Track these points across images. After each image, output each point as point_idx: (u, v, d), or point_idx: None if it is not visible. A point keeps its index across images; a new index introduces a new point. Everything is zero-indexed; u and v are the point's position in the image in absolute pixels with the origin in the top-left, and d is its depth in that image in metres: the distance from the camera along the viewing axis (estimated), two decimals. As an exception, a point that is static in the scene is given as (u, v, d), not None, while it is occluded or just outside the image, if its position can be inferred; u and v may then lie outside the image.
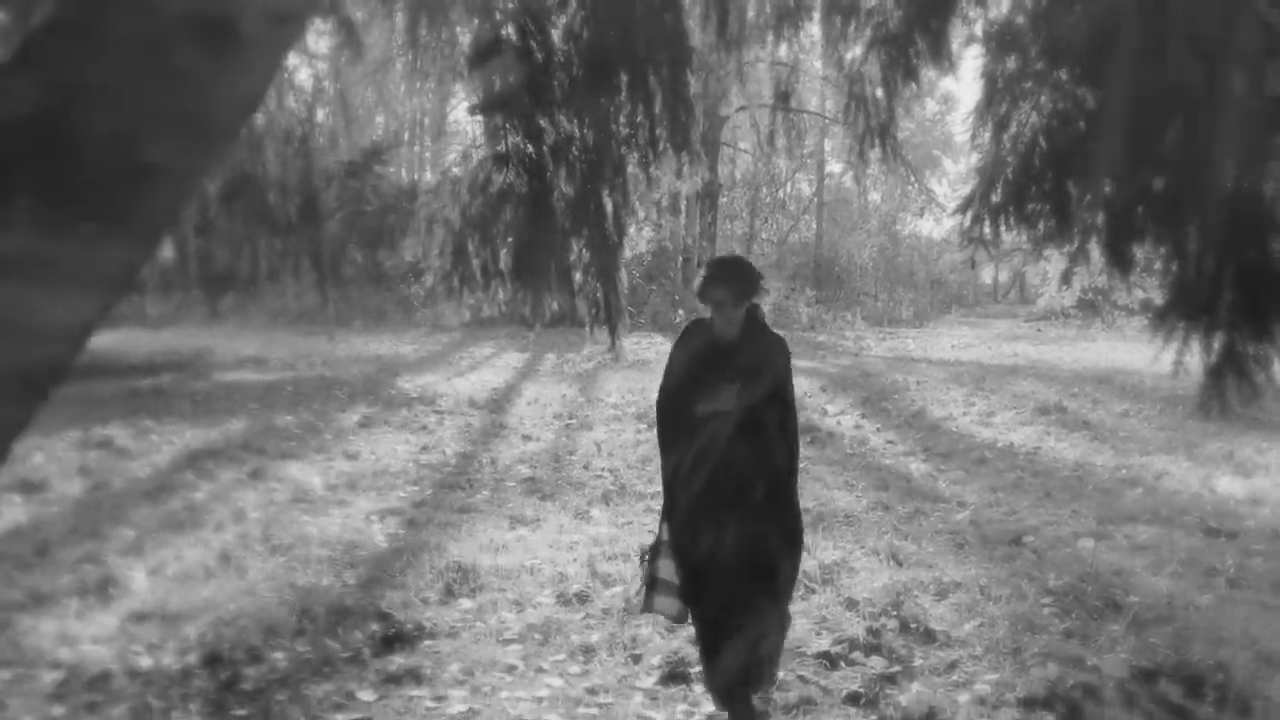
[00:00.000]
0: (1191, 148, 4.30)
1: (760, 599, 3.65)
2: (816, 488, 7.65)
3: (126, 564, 5.60)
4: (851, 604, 5.00)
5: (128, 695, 3.98)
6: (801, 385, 13.90)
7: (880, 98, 5.31)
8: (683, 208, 28.97)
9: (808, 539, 6.21)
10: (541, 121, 5.13)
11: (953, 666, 4.30)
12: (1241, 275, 4.22)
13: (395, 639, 4.60)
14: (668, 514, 3.87)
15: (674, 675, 4.24)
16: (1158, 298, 5.18)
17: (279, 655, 4.39)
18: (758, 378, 3.69)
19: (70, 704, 3.89)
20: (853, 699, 4.03)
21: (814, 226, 40.74)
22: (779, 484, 3.74)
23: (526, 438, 10.32)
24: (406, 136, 37.99)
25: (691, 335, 3.91)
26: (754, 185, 37.74)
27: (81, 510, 6.87)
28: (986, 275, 45.68)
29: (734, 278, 3.71)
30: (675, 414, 3.84)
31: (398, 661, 4.37)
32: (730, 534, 3.60)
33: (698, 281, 3.75)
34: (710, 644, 3.71)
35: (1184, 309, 4.46)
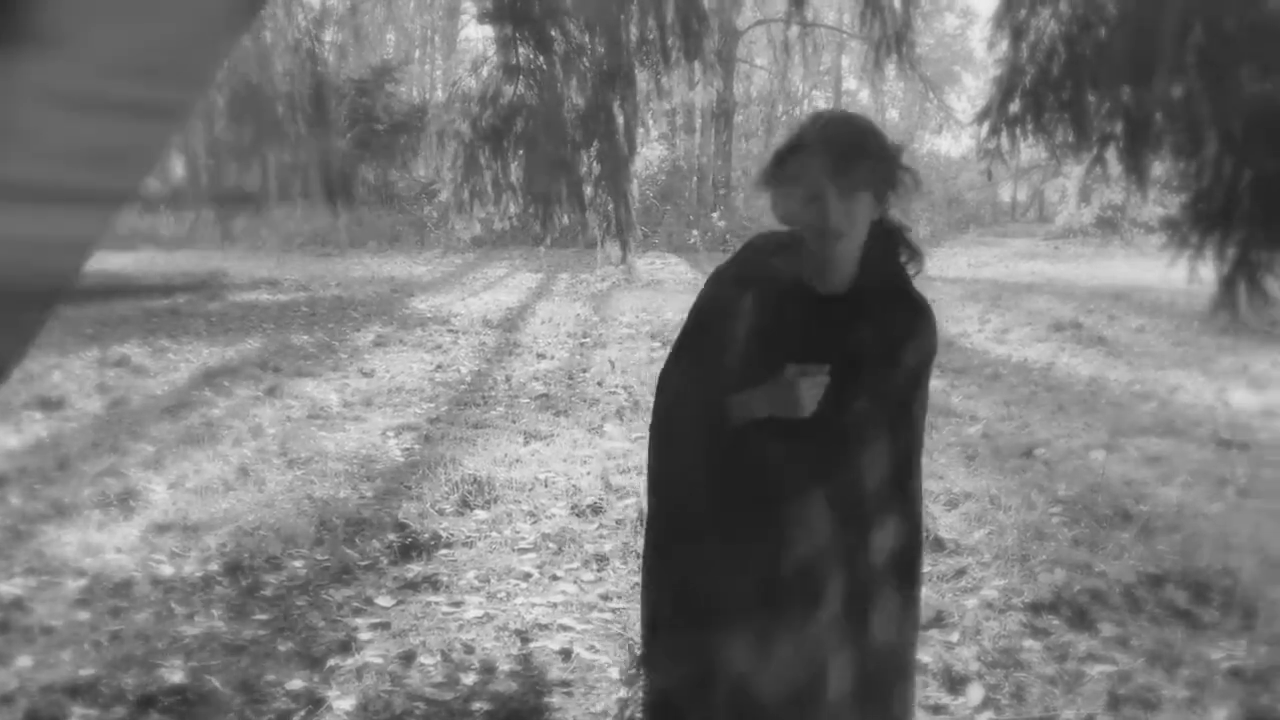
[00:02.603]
0: (1211, 53, 4.23)
1: None
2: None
3: (146, 478, 5.69)
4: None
5: (151, 601, 4.07)
6: (815, 303, 13.88)
7: (897, 5, 5.22)
8: (697, 125, 28.68)
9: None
10: (552, 31, 5.07)
11: (961, 573, 4.36)
12: (1258, 183, 4.18)
13: (412, 548, 4.68)
14: (657, 625, 2.28)
15: (686, 582, 4.30)
16: (1177, 214, 5.14)
17: (298, 563, 4.47)
18: (875, 371, 2.03)
19: (95, 609, 3.98)
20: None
21: (830, 145, 40.21)
22: (893, 573, 2.11)
23: (540, 356, 10.36)
24: (417, 54, 37.55)
25: (749, 269, 2.13)
26: (770, 103, 37.24)
27: (101, 426, 6.96)
28: (1005, 194, 45.19)
29: (857, 153, 1.92)
30: (698, 430, 2.12)
31: (415, 569, 4.45)
32: (795, 670, 2.05)
33: (770, 163, 2.03)
34: None
35: (1200, 219, 4.42)
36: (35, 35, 0.90)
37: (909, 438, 2.13)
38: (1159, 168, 5.27)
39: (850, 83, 41.23)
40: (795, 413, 1.95)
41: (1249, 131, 4.23)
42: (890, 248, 2.11)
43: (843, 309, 2.04)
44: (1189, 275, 4.19)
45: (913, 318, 2.07)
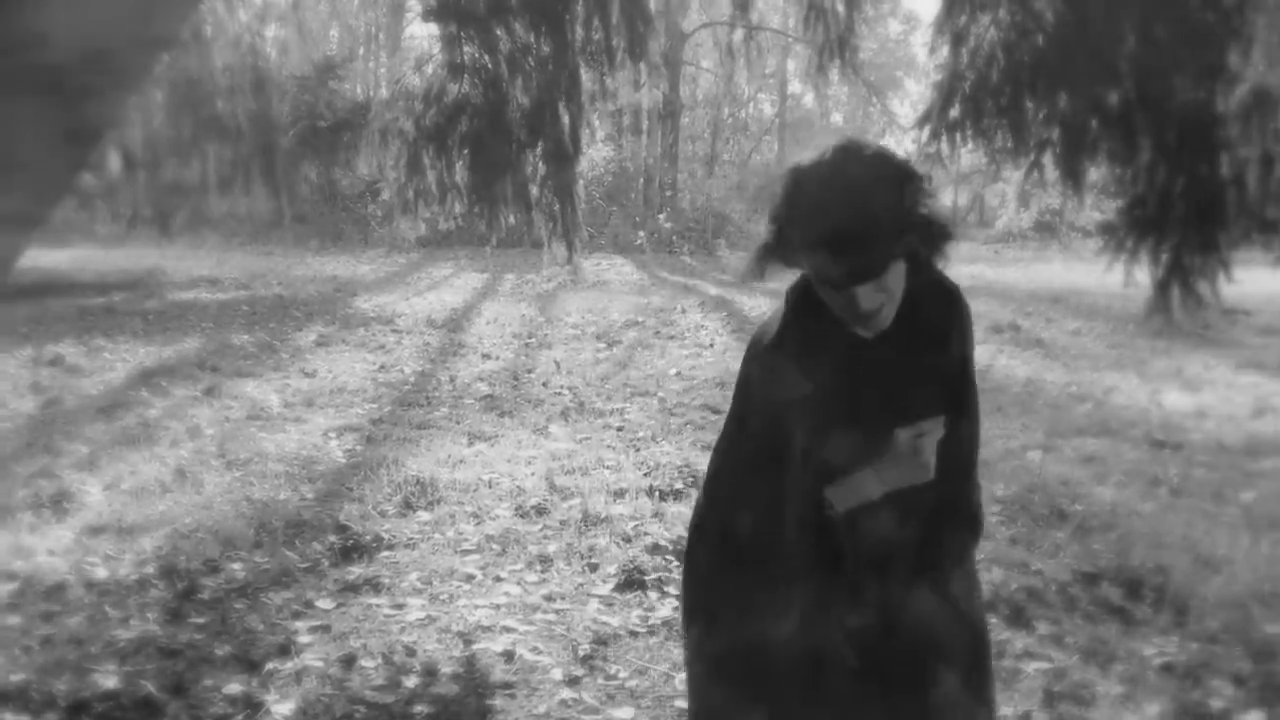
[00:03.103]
0: (1145, 63, 4.32)
1: None
2: (773, 404, 7.71)
3: (81, 479, 5.58)
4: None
5: (84, 605, 3.98)
6: (760, 306, 13.98)
7: (840, 10, 5.26)
8: (644, 127, 28.74)
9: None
10: (497, 30, 5.05)
11: (901, 573, 4.40)
12: (1191, 189, 4.28)
13: (353, 550, 4.63)
14: None
15: (630, 582, 4.30)
16: (1113, 218, 5.25)
17: (237, 566, 4.41)
18: (943, 386, 1.84)
19: (26, 613, 3.89)
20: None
21: (776, 148, 40.54)
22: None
23: (486, 356, 10.31)
24: (361, 51, 37.19)
25: (789, 347, 1.84)
26: (716, 105, 37.41)
27: (34, 426, 6.81)
28: (946, 198, 45.74)
29: (873, 236, 1.62)
30: (777, 536, 1.81)
31: (356, 571, 4.40)
32: None
33: (799, 233, 1.69)
34: None
35: (1135, 224, 4.52)
36: None
37: (969, 431, 1.88)
38: (1095, 173, 5.38)
39: (795, 86, 41.55)
40: (926, 477, 1.74)
41: (1182, 139, 4.34)
42: (927, 262, 1.82)
43: (893, 340, 1.78)
44: (1124, 279, 4.28)
45: (948, 307, 1.86)
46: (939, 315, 1.84)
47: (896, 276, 1.69)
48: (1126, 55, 4.35)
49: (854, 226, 1.61)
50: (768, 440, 1.82)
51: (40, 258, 16.38)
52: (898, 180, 1.66)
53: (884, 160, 1.67)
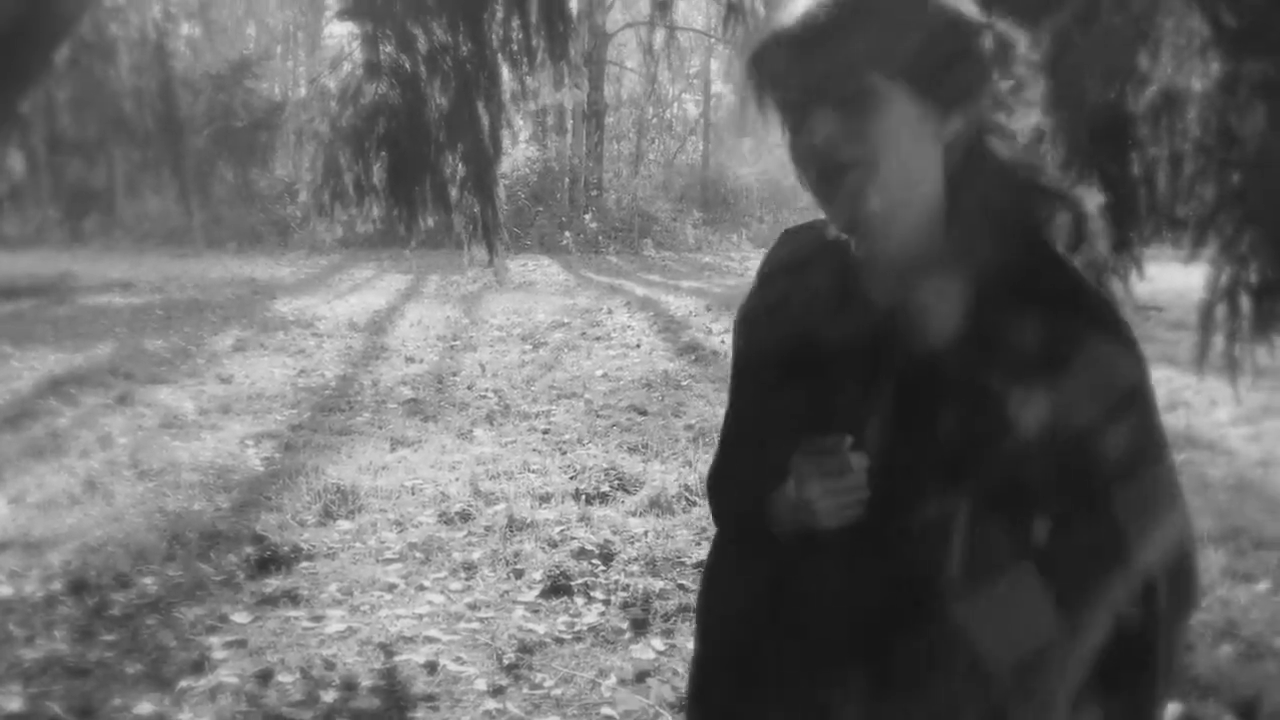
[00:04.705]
0: (1058, 63, 4.39)
1: None
2: (700, 405, 7.73)
3: (-16, 493, 5.38)
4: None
5: (-13, 625, 3.84)
6: (687, 305, 14.00)
7: (760, 9, 5.27)
8: (569, 127, 28.64)
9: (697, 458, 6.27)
10: (414, 29, 4.96)
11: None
12: (1103, 189, 4.35)
13: (270, 561, 4.52)
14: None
15: (556, 589, 4.26)
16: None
17: (149, 580, 4.28)
18: (993, 438, 1.10)
19: (-76, 635, 3.74)
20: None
21: (700, 148, 40.71)
22: None
23: (409, 359, 10.17)
24: (279, 50, 36.55)
25: (780, 288, 1.39)
26: (640, 105, 37.44)
27: (-66, 439, 6.56)
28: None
29: (851, 12, 1.09)
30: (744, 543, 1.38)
31: (273, 584, 4.30)
32: None
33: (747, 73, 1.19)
34: None
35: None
36: None
37: (1096, 574, 1.13)
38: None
39: (719, 86, 41.74)
40: (809, 521, 1.19)
41: (1093, 139, 4.41)
42: (1019, 207, 1.16)
43: (912, 297, 1.17)
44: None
45: (1076, 335, 1.11)
46: (1034, 342, 1.10)
47: (896, 133, 1.13)
48: (1041, 56, 4.41)
49: (825, 11, 1.11)
50: (735, 408, 1.45)
51: (-57, 262, 15.83)
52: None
53: None
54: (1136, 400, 1.12)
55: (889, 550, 1.17)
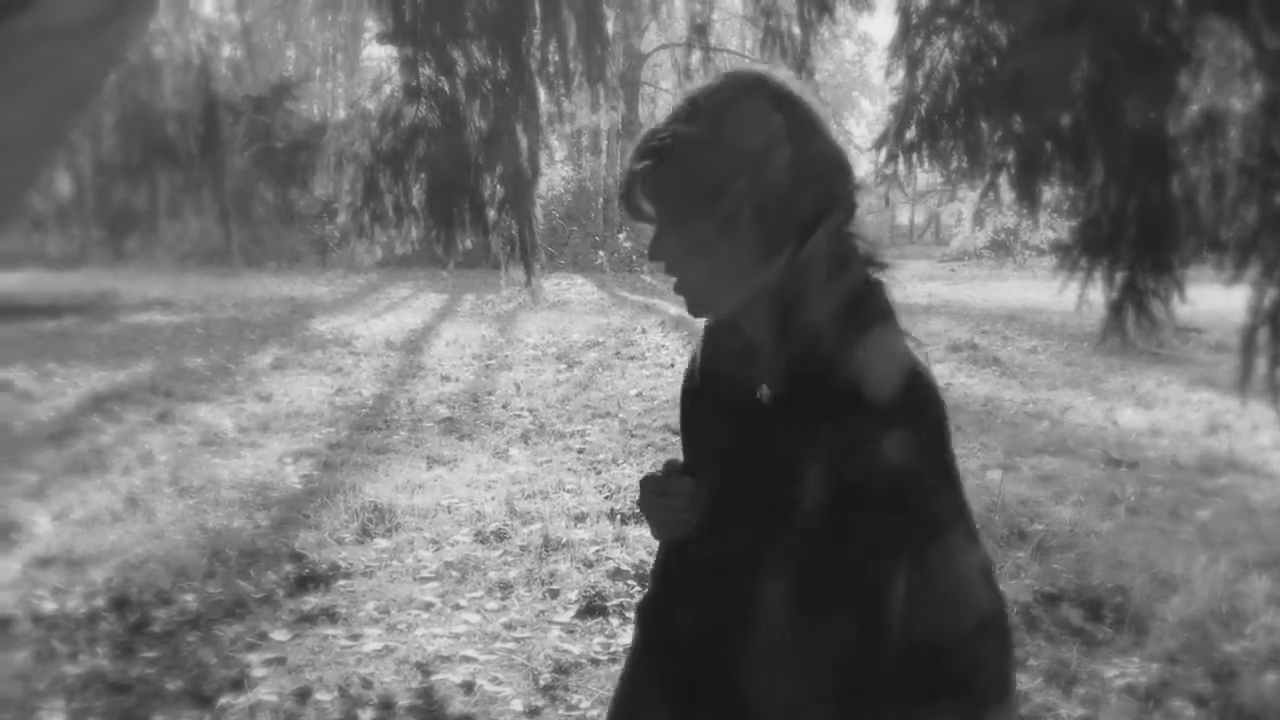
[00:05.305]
0: (1098, 85, 4.37)
1: None
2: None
3: (29, 509, 5.45)
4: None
5: (31, 639, 3.88)
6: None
7: (797, 32, 5.29)
8: (603, 146, 28.77)
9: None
10: (454, 53, 5.02)
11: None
12: (1143, 211, 4.32)
13: (309, 579, 4.55)
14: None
15: (591, 609, 4.26)
16: (1066, 237, 5.30)
17: (189, 597, 4.31)
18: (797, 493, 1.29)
19: (-30, 650, 3.79)
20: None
21: (734, 167, 40.73)
22: None
23: (445, 378, 10.23)
24: (318, 72, 37.01)
25: (703, 367, 1.54)
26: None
27: (-19, 455, 6.66)
28: (902, 217, 46.22)
29: (660, 156, 1.29)
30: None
31: (312, 601, 4.33)
32: None
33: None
34: None
35: (1088, 244, 4.56)
36: None
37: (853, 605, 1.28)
38: (1049, 193, 5.43)
39: (753, 106, 41.77)
40: (651, 533, 1.54)
41: (1134, 161, 4.38)
42: (848, 308, 1.32)
43: (776, 412, 1.35)
44: (1078, 302, 4.31)
45: (847, 415, 1.26)
46: (829, 420, 1.27)
47: (713, 257, 1.31)
48: (1079, 78, 4.39)
49: (646, 145, 1.30)
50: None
51: (-11, 281, 16.11)
52: (750, 114, 1.28)
53: (761, 91, 1.31)
54: (900, 475, 1.26)
55: (715, 573, 1.40)
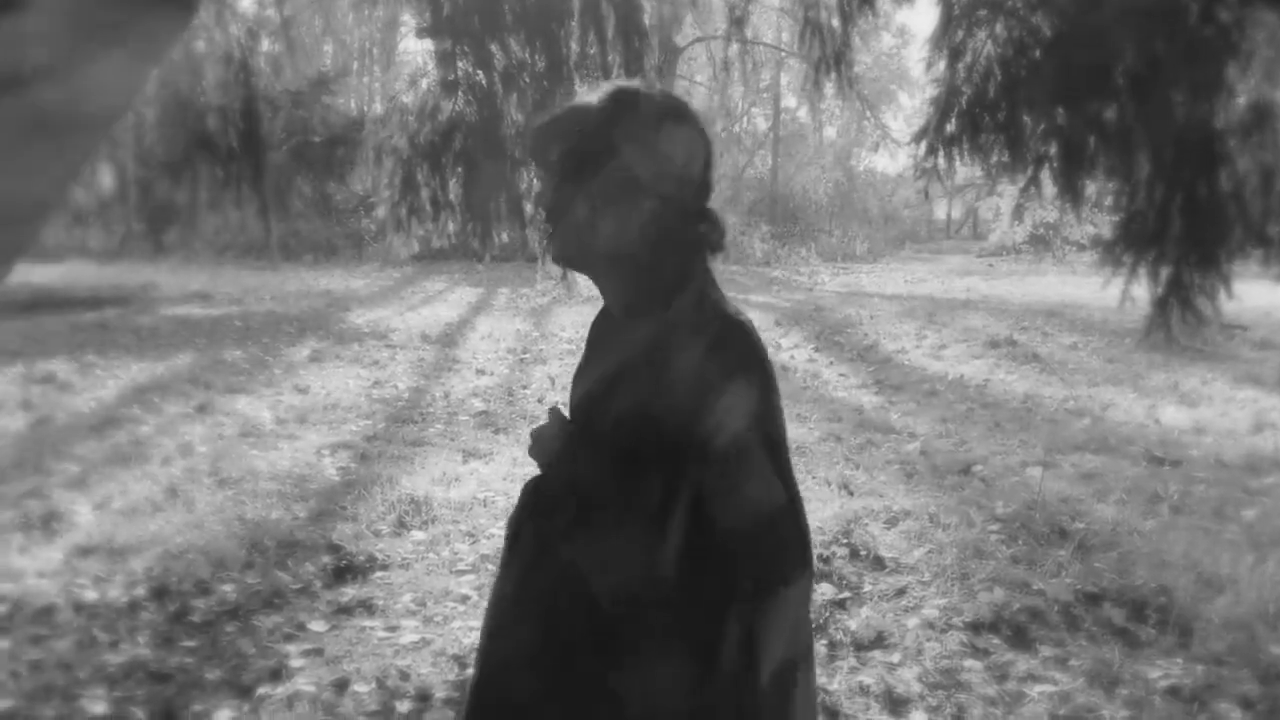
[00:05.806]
0: (1143, 77, 4.31)
1: None
2: (769, 420, 7.67)
3: (71, 498, 5.52)
4: (803, 533, 5.04)
5: (73, 628, 3.92)
6: (755, 319, 13.93)
7: (836, 25, 5.24)
8: (638, 141, 28.75)
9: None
10: (492, 46, 5.02)
11: (901, 592, 4.36)
12: (1189, 206, 4.25)
13: (346, 571, 4.57)
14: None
15: (626, 604, 4.25)
16: (1108, 232, 5.22)
17: (228, 588, 4.35)
18: (621, 408, 1.60)
19: (14, 637, 3.83)
20: (803, 625, 4.07)
21: (770, 161, 40.62)
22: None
23: (480, 372, 10.26)
24: (355, 66, 37.23)
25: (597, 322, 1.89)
26: (710, 119, 37.48)
27: (24, 444, 6.74)
28: (940, 211, 45.93)
29: (548, 126, 1.64)
30: None
31: (349, 593, 4.35)
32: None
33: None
34: None
35: (1133, 240, 4.49)
36: None
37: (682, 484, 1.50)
38: (1092, 188, 5.36)
39: (789, 100, 41.62)
40: (535, 461, 1.75)
41: (1180, 154, 4.31)
42: (685, 275, 1.63)
43: (621, 336, 1.70)
44: (1121, 298, 4.25)
45: (680, 341, 1.55)
46: (670, 343, 1.55)
47: (574, 207, 1.58)
48: (1124, 71, 4.33)
49: (559, 111, 1.65)
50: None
51: (33, 273, 16.33)
52: (624, 104, 1.60)
53: (637, 94, 1.64)
54: (726, 401, 1.49)
55: (567, 491, 1.70)
